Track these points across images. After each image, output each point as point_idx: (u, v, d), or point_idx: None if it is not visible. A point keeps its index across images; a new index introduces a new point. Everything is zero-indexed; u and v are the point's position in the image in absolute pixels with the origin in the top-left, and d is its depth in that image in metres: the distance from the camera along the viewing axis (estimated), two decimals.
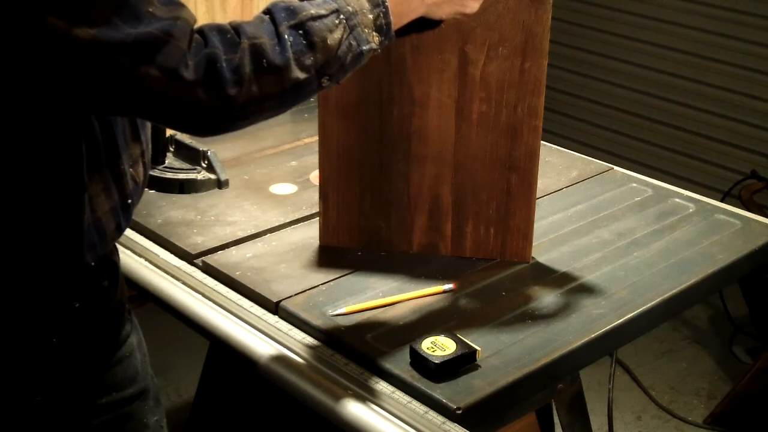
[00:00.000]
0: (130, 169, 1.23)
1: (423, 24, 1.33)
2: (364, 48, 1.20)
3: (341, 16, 1.17)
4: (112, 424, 1.30)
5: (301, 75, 1.14)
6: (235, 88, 1.09)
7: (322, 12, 1.15)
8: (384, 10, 1.21)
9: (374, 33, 1.21)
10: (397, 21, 1.24)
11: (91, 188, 1.17)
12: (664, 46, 3.70)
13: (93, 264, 1.21)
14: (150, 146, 1.31)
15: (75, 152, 1.13)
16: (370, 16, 1.20)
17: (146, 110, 1.10)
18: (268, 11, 1.16)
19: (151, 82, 1.04)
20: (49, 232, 1.15)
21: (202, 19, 1.12)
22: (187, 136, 1.91)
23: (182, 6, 1.08)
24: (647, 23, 3.73)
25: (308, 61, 1.14)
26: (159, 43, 1.04)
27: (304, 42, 1.14)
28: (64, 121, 1.12)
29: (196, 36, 1.08)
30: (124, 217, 1.24)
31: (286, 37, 1.13)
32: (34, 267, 1.16)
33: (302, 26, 1.14)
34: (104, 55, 1.02)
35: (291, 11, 1.14)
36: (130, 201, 1.24)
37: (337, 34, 1.16)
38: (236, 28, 1.11)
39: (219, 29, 1.11)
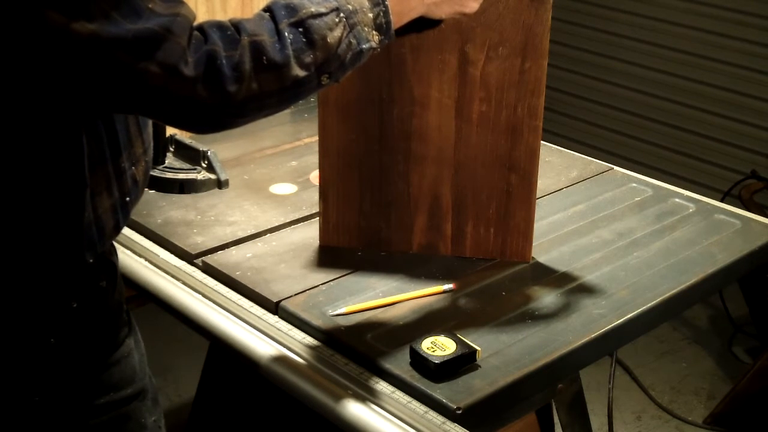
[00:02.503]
0: (132, 168, 1.22)
1: (423, 24, 1.33)
2: (363, 47, 1.19)
3: (341, 15, 1.17)
4: (110, 424, 1.29)
5: (300, 73, 1.13)
6: (234, 85, 1.08)
7: (322, 10, 1.15)
8: (384, 8, 1.21)
9: (374, 32, 1.20)
10: (397, 20, 1.24)
11: (94, 185, 1.16)
12: (664, 46, 3.70)
13: (91, 262, 1.21)
14: (152, 145, 1.31)
15: (76, 147, 1.13)
16: (370, 15, 1.20)
17: (145, 107, 1.10)
18: (268, 9, 1.15)
19: (150, 78, 1.04)
20: (50, 228, 1.15)
21: (202, 19, 1.12)
22: (188, 135, 1.90)
23: (182, 2, 1.08)
24: (647, 23, 3.73)
25: (308, 58, 1.14)
26: (159, 40, 1.03)
27: (304, 40, 1.13)
28: (66, 116, 1.11)
29: (196, 33, 1.08)
30: (122, 215, 1.23)
31: (286, 34, 1.13)
32: (34, 264, 1.16)
33: (302, 24, 1.14)
34: (104, 51, 1.01)
35: (291, 9, 1.14)
36: (128, 199, 1.23)
37: (337, 33, 1.16)
38: (236, 25, 1.11)
39: (219, 26, 1.11)
